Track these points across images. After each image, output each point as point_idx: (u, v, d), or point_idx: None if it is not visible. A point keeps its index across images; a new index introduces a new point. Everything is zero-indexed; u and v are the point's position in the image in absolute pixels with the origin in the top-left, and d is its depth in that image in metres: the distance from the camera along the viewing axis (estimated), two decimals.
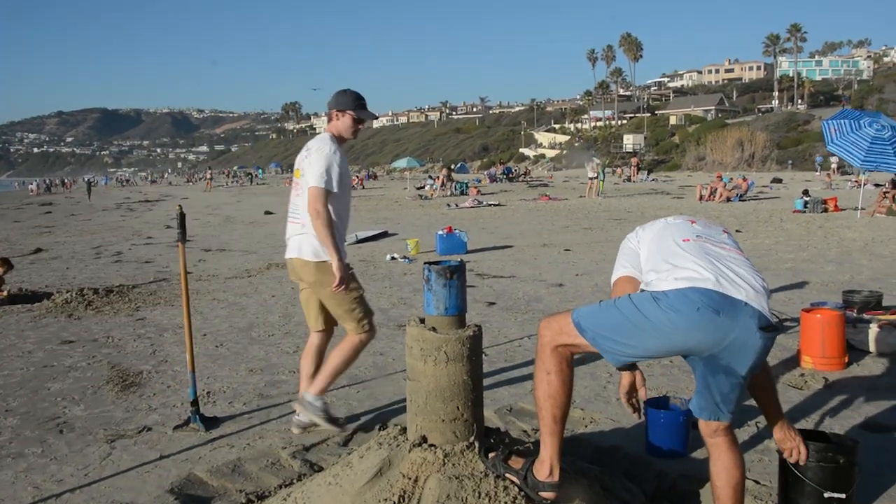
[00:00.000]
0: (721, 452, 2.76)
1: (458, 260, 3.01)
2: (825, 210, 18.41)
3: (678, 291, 2.54)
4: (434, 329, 2.85)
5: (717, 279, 2.56)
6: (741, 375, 2.62)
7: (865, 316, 5.78)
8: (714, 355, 2.59)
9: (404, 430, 3.00)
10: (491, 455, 2.80)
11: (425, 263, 2.91)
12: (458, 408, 2.83)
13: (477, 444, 2.82)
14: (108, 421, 4.58)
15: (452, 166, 49.28)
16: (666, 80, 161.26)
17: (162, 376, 5.53)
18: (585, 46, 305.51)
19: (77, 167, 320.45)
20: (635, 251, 3.02)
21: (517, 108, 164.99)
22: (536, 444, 3.22)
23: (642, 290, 2.72)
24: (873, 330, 5.53)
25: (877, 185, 23.64)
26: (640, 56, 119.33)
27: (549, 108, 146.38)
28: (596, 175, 29.67)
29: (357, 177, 56.21)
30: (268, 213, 24.72)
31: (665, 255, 2.75)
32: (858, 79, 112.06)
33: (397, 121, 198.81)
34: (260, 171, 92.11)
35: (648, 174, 51.62)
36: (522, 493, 2.68)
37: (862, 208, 17.17)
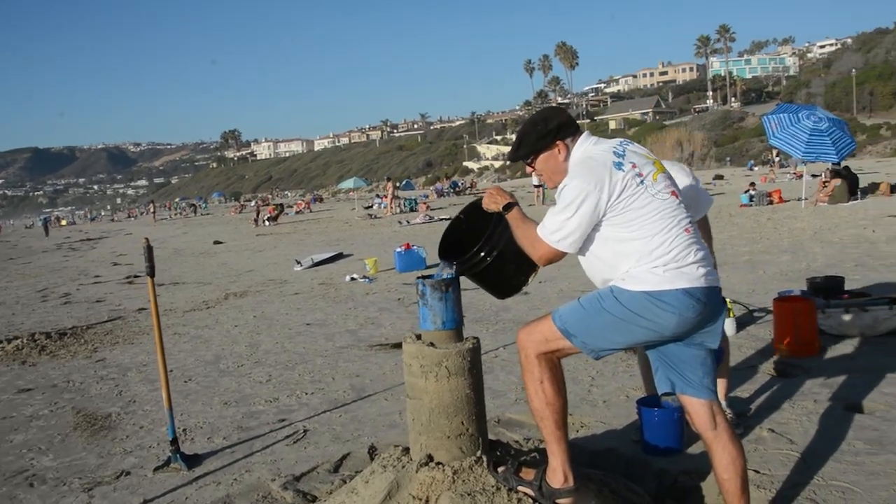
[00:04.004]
0: (724, 445, 2.75)
1: (451, 273, 2.94)
2: (770, 202, 18.84)
3: (676, 293, 2.58)
4: (432, 344, 2.78)
5: (707, 275, 2.66)
6: (713, 348, 2.77)
7: (832, 301, 5.89)
8: (692, 337, 2.72)
9: (407, 450, 2.92)
10: (501, 469, 2.74)
11: (418, 278, 2.85)
12: (462, 423, 2.76)
13: (485, 459, 2.76)
14: (81, 469, 4.38)
15: (398, 184, 49.21)
16: (602, 85, 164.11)
17: (132, 417, 5.34)
18: (522, 57, 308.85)
19: (10, 210, 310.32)
20: (596, 218, 2.64)
21: (458, 122, 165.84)
22: (541, 452, 3.17)
23: (629, 280, 2.64)
24: (843, 314, 5.63)
25: (814, 176, 24.29)
26: (576, 64, 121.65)
27: (489, 121, 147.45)
28: (540, 184, 29.93)
29: (303, 201, 55.86)
30: (217, 242, 24.29)
31: (667, 247, 2.61)
32: (786, 75, 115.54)
33: (339, 142, 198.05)
34: (203, 201, 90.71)
35: None
36: None
37: (805, 198, 17.61)
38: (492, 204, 2.86)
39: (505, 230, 2.84)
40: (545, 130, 2.81)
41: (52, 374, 6.94)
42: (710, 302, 2.64)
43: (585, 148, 2.76)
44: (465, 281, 3.01)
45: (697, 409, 2.77)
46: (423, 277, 2.81)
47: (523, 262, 2.86)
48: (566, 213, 2.62)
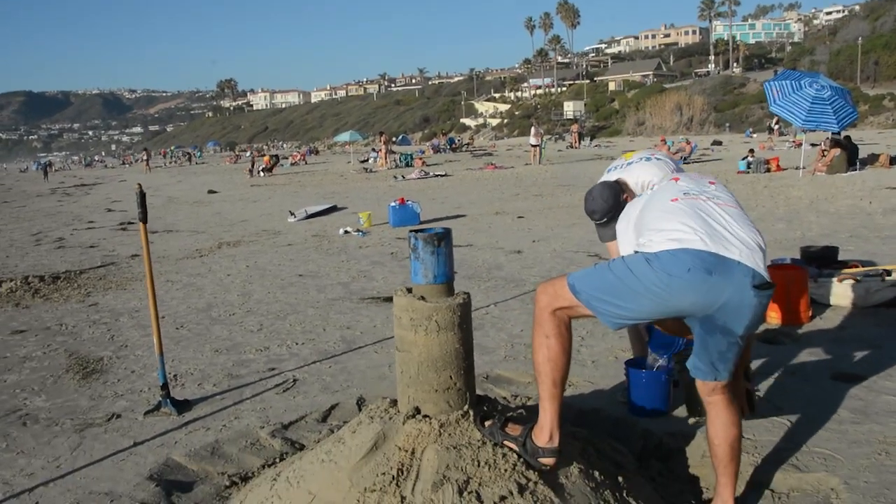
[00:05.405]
0: (719, 410, 2.75)
1: (443, 227, 2.93)
2: (768, 170, 18.78)
3: (669, 253, 2.52)
4: (423, 298, 2.78)
5: (707, 239, 2.52)
6: (738, 335, 2.60)
7: (825, 271, 5.90)
8: (710, 316, 2.57)
9: (394, 402, 2.94)
10: (487, 423, 2.75)
11: (410, 231, 2.84)
12: (450, 377, 2.77)
13: (472, 413, 2.78)
14: (73, 410, 4.41)
15: (394, 139, 48.90)
16: (604, 46, 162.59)
17: (124, 361, 5.36)
18: (523, 14, 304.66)
19: (4, 153, 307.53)
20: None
21: (456, 79, 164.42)
22: (528, 409, 3.20)
23: (636, 252, 2.68)
24: (835, 284, 5.65)
25: (813, 145, 24.21)
26: (578, 23, 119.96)
27: (488, 78, 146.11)
28: (538, 143, 29.76)
29: (298, 152, 55.53)
30: (211, 191, 24.19)
31: (655, 217, 2.72)
32: (791, 41, 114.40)
33: (336, 94, 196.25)
34: (198, 150, 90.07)
35: (591, 140, 52.00)
36: (522, 460, 2.65)
37: (803, 167, 17.56)
38: None
39: None
40: None
41: (46, 317, 6.96)
42: (719, 271, 2.48)
43: None
44: (456, 238, 3.01)
45: (701, 381, 2.78)
46: (416, 231, 2.79)
47: None
48: None
